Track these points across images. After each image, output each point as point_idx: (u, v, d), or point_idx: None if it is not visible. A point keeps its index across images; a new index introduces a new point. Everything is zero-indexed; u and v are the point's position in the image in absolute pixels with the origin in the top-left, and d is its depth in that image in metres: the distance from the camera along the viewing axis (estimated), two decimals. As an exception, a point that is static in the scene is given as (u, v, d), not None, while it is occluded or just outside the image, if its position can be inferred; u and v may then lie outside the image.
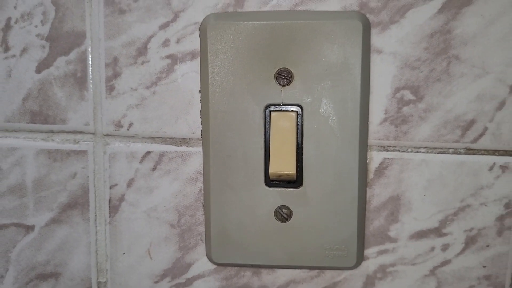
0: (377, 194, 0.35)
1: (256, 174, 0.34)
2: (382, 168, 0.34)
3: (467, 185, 0.34)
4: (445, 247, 0.35)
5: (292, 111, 0.33)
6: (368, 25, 0.33)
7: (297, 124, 0.33)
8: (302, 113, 0.33)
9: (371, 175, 0.35)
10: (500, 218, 0.34)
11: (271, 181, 0.34)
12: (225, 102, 0.34)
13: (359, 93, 0.33)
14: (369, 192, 0.35)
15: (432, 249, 0.35)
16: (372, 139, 0.34)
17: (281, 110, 0.33)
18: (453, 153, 0.34)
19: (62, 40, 0.35)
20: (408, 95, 0.33)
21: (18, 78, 0.35)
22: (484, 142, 0.34)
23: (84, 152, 0.36)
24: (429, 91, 0.33)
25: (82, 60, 0.35)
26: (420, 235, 0.35)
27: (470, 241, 0.35)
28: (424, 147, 0.34)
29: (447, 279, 0.35)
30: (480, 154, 0.34)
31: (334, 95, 0.33)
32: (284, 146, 0.33)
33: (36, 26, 0.34)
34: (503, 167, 0.34)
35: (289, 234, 0.35)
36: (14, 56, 0.35)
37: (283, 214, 0.34)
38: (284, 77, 0.33)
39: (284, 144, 0.33)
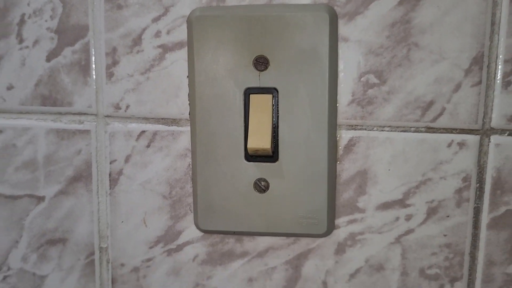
0: (346, 168, 0.39)
1: (237, 150, 0.38)
2: (350, 145, 0.38)
3: (427, 160, 0.38)
4: (408, 217, 0.38)
5: (268, 93, 0.37)
6: (335, 16, 0.37)
7: (273, 105, 0.38)
8: (277, 95, 0.37)
9: (340, 152, 0.38)
10: (459, 191, 0.38)
11: (250, 156, 0.38)
12: (209, 86, 0.38)
13: (327, 77, 0.37)
14: (339, 167, 0.39)
15: (397, 219, 0.39)
16: (341, 119, 0.38)
17: (259, 93, 0.38)
18: (414, 131, 0.37)
19: (69, 33, 0.40)
20: (372, 79, 0.37)
21: (31, 66, 0.40)
22: (443, 121, 0.37)
23: (87, 132, 0.41)
24: (391, 75, 0.37)
25: (86, 50, 0.40)
26: (386, 206, 0.39)
27: (431, 212, 0.38)
28: (388, 126, 0.38)
29: (411, 246, 0.39)
30: (439, 132, 0.37)
31: (305, 79, 0.37)
32: (261, 124, 0.37)
33: (46, 21, 0.40)
34: (460, 144, 0.37)
35: (267, 204, 0.39)
36: (27, 47, 0.40)
37: (261, 186, 0.39)
38: (261, 63, 0.37)
39: (261, 122, 0.37)
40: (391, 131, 0.38)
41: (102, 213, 0.42)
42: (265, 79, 0.37)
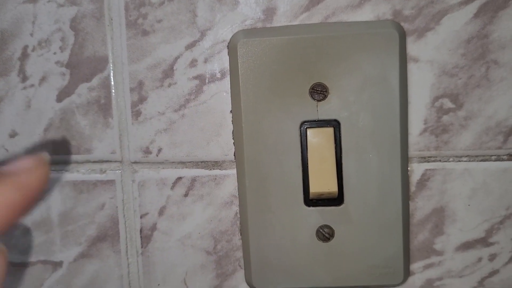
0: (420, 207, 0.34)
1: (295, 194, 0.33)
2: (424, 180, 0.33)
3: (512, 192, 0.33)
4: (492, 257, 0.34)
5: (329, 126, 0.32)
6: (404, 34, 0.32)
7: (335, 140, 0.32)
8: (339, 128, 0.32)
9: (413, 188, 0.33)
10: (548, 224, 0.33)
11: (311, 201, 0.33)
12: (259, 121, 0.32)
13: (398, 104, 0.31)
14: (411, 205, 0.34)
15: (479, 259, 0.34)
16: (412, 151, 0.33)
17: (318, 126, 0.32)
18: (496, 160, 0.33)
19: (83, 66, 0.33)
20: (447, 103, 0.32)
21: (38, 108, 0.33)
22: (528, 147, 0.33)
23: (111, 182, 0.34)
24: (468, 98, 0.32)
25: (105, 86, 0.33)
26: (467, 246, 0.34)
27: (518, 249, 0.34)
28: (466, 156, 0.33)
29: (496, 289, 0.34)
30: (524, 160, 0.33)
31: (372, 107, 0.32)
32: (323, 164, 0.32)
33: (55, 53, 0.33)
34: (548, 172, 0.33)
35: (332, 254, 0.33)
36: (32, 85, 0.33)
37: (325, 234, 0.33)
38: (319, 92, 0.32)
39: (323, 161, 0.32)
40: (470, 161, 0.33)
41: (134, 276, 0.35)
42: (325, 110, 0.32)
